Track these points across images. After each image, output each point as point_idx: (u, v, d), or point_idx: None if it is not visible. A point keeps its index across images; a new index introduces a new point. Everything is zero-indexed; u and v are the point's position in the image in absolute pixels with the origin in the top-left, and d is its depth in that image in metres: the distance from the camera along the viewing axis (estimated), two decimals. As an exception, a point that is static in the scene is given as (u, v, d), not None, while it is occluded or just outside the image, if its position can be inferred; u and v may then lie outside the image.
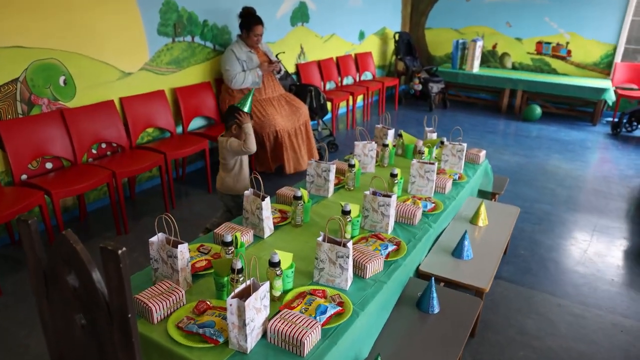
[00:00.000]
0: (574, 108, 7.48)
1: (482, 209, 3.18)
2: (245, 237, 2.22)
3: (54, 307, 1.29)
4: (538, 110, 7.20)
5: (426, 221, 2.58)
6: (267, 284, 1.62)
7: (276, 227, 2.44)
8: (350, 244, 1.89)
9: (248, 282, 1.60)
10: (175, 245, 1.83)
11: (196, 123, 4.75)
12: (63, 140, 3.44)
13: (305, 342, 1.56)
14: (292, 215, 2.47)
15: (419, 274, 2.52)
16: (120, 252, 1.03)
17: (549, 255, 3.75)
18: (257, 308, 1.58)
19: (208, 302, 1.76)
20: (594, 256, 3.76)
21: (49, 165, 3.47)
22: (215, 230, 2.26)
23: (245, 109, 2.97)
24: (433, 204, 2.74)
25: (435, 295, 2.30)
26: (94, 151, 3.81)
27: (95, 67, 3.72)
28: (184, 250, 1.83)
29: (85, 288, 1.14)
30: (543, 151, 5.95)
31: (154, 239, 1.86)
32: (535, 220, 4.17)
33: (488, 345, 2.79)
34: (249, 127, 2.94)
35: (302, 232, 2.41)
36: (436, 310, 2.31)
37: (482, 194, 3.76)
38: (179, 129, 4.53)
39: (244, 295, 1.57)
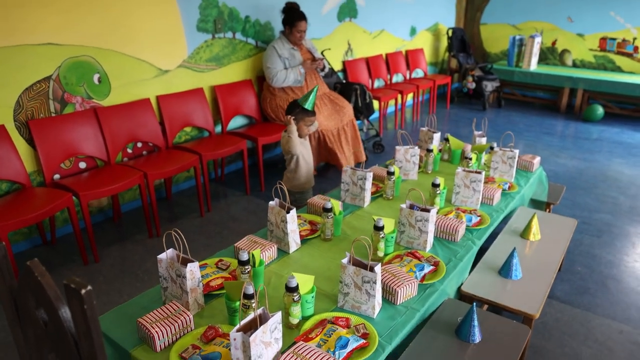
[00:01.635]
0: (641, 109, 6.89)
1: (535, 222, 2.87)
2: (268, 252, 2.05)
3: (28, 340, 1.16)
4: (600, 110, 6.66)
5: (470, 237, 2.32)
6: (279, 315, 1.43)
7: (304, 240, 2.25)
8: (378, 268, 1.67)
9: (258, 312, 1.42)
10: (185, 263, 1.67)
11: (236, 122, 4.63)
12: (96, 139, 3.39)
13: (319, 385, 1.36)
14: (321, 228, 2.28)
15: (461, 295, 2.26)
16: (84, 291, 0.87)
17: (610, 272, 3.38)
18: (266, 342, 1.39)
19: (218, 329, 1.60)
20: (664, 277, 3.35)
21: (82, 165, 3.43)
22: (236, 245, 2.09)
23: (306, 106, 2.98)
24: (479, 218, 2.47)
25: (476, 323, 2.05)
26: (129, 150, 3.75)
27: (130, 65, 3.65)
28: (193, 270, 1.67)
29: (54, 325, 0.99)
30: (604, 155, 5.46)
31: (162, 256, 1.71)
32: (594, 232, 3.79)
33: (538, 379, 2.49)
34: (291, 129, 2.92)
35: (331, 247, 2.22)
36: (477, 339, 2.06)
37: (536, 204, 3.42)
38: (218, 129, 4.43)
39: (253, 326, 1.39)
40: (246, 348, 1.33)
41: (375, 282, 1.67)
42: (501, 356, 1.99)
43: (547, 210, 3.45)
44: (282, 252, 2.15)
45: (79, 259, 3.16)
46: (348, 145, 4.66)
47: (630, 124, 6.72)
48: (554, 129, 6.48)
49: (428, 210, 2.11)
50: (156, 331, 1.52)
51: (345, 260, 1.73)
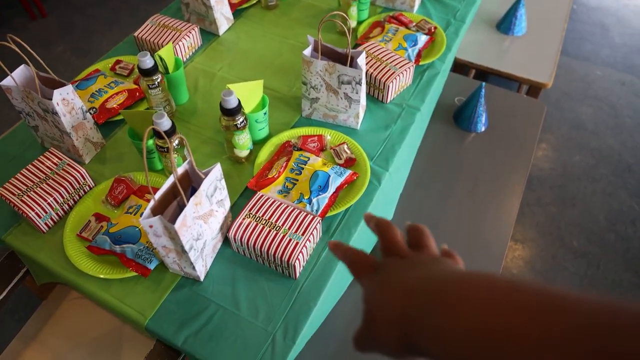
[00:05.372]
0: None
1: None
2: (187, 40, 1.37)
3: None
4: None
5: (470, -16, 1.66)
6: (217, 169, 0.88)
7: (238, 11, 1.55)
8: (362, 60, 1.07)
9: (181, 169, 0.86)
10: (49, 85, 1.01)
11: None
12: None
13: (297, 264, 0.90)
14: (260, -10, 1.56)
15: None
16: None
17: (610, 9, 2.87)
18: (206, 214, 0.88)
19: (130, 182, 1.05)
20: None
21: None
22: (136, 34, 1.38)
23: None
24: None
25: (483, 109, 1.57)
26: None
27: None
28: (69, 98, 1.02)
29: None
30: None
31: (6, 81, 1.03)
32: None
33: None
34: None
35: (279, 18, 1.54)
36: (482, 128, 1.62)
37: None
38: None
39: (178, 194, 0.86)
40: (174, 235, 0.81)
41: (359, 83, 1.09)
42: (514, 146, 1.59)
43: None
44: (208, 34, 1.48)
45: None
46: None
47: None
48: None
49: (419, -51, 1.40)
50: (31, 207, 0.96)
51: (307, 51, 1.10)
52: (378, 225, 0.46)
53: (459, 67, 1.89)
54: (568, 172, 2.07)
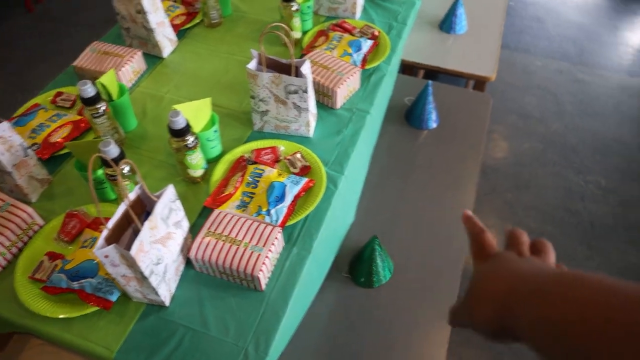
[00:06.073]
0: None
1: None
2: (130, 65, 1.34)
3: None
4: None
5: (407, -13, 1.70)
6: (170, 191, 0.86)
7: (181, 32, 1.53)
8: (307, 68, 1.08)
9: (133, 195, 0.84)
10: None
11: None
12: None
13: (261, 276, 0.89)
14: (202, 9, 1.55)
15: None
16: None
17: (542, 2, 3.00)
18: (163, 237, 0.85)
19: (83, 215, 1.02)
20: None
21: None
22: (75, 64, 1.35)
23: None
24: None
25: (433, 106, 1.60)
26: None
27: None
28: (6, 135, 0.99)
29: None
30: None
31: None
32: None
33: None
34: None
35: (223, 35, 1.53)
36: (434, 125, 1.65)
37: None
38: None
39: (132, 221, 0.83)
40: (132, 264, 0.79)
41: (306, 91, 1.09)
42: (464, 140, 1.62)
43: None
44: (153, 57, 1.46)
45: None
46: None
47: None
48: None
49: (352, -44, 1.43)
50: (-24, 252, 0.92)
51: (252, 65, 1.11)
52: (511, 231, 0.49)
53: (408, 68, 1.93)
54: (519, 159, 2.14)
